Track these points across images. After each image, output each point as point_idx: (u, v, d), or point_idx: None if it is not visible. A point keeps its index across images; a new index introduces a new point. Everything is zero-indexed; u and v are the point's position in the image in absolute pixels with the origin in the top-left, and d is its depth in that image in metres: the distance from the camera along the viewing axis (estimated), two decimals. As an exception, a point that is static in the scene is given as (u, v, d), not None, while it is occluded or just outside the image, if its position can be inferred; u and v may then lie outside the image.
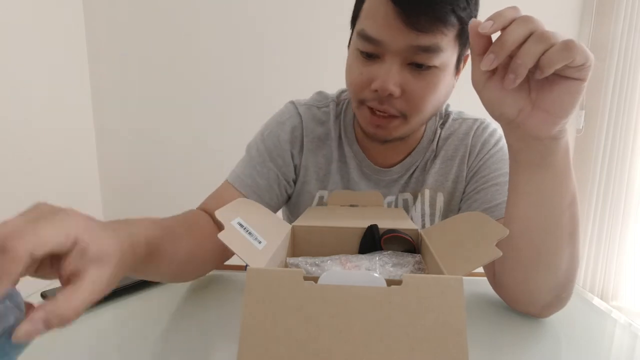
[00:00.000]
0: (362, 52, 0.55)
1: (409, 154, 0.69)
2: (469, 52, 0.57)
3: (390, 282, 0.28)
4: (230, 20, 2.15)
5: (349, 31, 0.60)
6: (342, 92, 0.74)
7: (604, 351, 0.44)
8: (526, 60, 0.35)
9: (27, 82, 1.83)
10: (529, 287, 0.47)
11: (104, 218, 0.34)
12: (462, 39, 0.54)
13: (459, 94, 0.76)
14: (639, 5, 1.90)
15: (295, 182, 0.72)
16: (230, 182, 0.67)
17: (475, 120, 0.70)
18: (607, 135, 2.02)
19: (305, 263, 0.41)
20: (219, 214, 0.34)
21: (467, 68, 0.56)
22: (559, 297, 0.47)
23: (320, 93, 0.74)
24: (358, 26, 0.55)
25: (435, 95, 0.56)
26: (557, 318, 0.49)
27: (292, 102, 0.72)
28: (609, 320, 0.51)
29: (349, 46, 0.60)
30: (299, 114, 0.70)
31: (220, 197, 0.66)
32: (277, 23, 2.14)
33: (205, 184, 2.32)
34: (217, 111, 2.20)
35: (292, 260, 0.42)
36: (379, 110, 0.56)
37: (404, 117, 0.57)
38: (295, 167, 0.71)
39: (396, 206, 0.71)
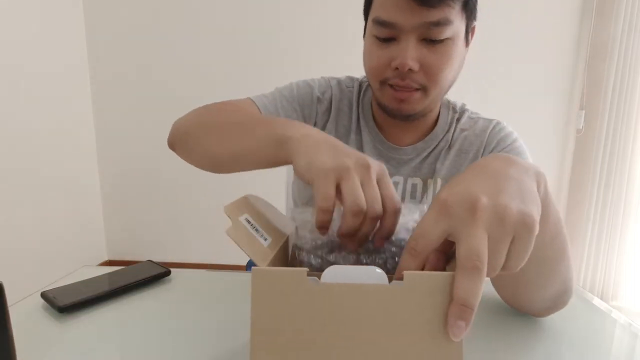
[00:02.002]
0: (378, 38, 0.59)
1: (421, 139, 0.72)
2: (475, 24, 0.63)
3: (392, 278, 0.28)
4: (231, 19, 2.15)
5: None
6: (364, 76, 0.80)
7: (604, 351, 0.44)
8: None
9: (27, 79, 1.83)
10: (521, 302, 0.48)
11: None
12: (467, 10, 0.59)
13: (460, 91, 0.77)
14: (639, 5, 1.90)
15: None
16: (253, 100, 0.68)
17: (492, 120, 0.73)
18: (607, 135, 2.02)
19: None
20: (227, 210, 0.35)
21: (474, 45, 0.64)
22: (555, 303, 0.46)
23: (348, 76, 0.79)
24: (372, 15, 0.60)
25: (451, 66, 0.60)
26: (557, 318, 0.49)
27: (326, 77, 0.78)
28: (609, 320, 0.51)
29: (364, 36, 0.65)
30: (330, 85, 0.76)
31: (236, 104, 0.65)
32: (280, 23, 2.14)
33: (205, 181, 2.31)
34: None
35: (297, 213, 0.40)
36: (400, 86, 0.61)
37: (424, 89, 0.61)
38: (315, 124, 0.74)
39: (404, 189, 0.72)
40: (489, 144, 0.70)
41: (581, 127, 2.14)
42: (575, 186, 2.21)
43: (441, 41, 0.57)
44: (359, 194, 0.34)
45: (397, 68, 0.58)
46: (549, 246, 0.38)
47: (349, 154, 0.37)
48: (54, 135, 1.98)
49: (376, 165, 0.37)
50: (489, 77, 2.09)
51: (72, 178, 2.12)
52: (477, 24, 0.64)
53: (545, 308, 0.48)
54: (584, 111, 2.12)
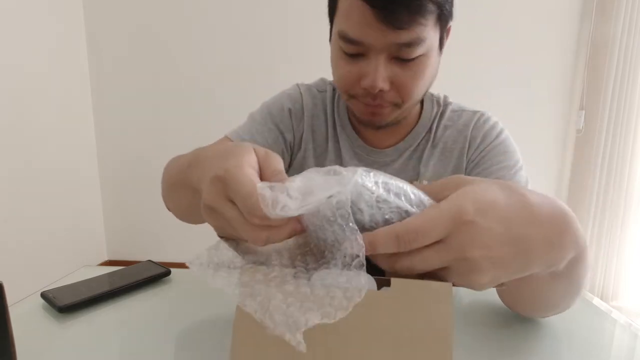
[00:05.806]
0: (345, 52, 0.55)
1: (403, 138, 0.69)
2: (450, 24, 0.58)
3: (380, 282, 0.28)
4: (232, 19, 2.14)
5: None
6: None
7: (604, 351, 0.44)
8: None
9: (28, 79, 1.83)
10: (526, 313, 0.49)
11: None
12: (442, 19, 0.54)
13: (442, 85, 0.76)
14: (639, 5, 1.90)
15: (294, 152, 0.73)
16: (228, 136, 0.68)
17: (475, 112, 0.69)
18: (607, 135, 2.02)
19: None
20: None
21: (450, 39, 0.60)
22: (559, 312, 0.47)
23: (322, 79, 0.76)
24: (337, 26, 0.56)
25: (424, 80, 0.57)
26: (557, 318, 0.49)
27: (296, 84, 0.75)
28: (609, 320, 0.51)
29: (330, 40, 0.61)
30: (300, 92, 0.73)
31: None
32: (277, 24, 2.14)
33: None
34: (217, 109, 2.19)
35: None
36: (372, 105, 0.58)
37: (397, 104, 0.58)
38: (293, 136, 0.72)
39: None
40: (474, 138, 0.67)
41: (581, 127, 2.14)
42: (575, 186, 2.21)
43: (413, 59, 0.54)
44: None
45: (366, 88, 0.55)
46: (575, 295, 0.40)
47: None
48: (54, 134, 1.98)
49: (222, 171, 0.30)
50: (489, 77, 2.09)
51: (72, 178, 2.12)
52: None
53: (544, 316, 0.48)
54: (584, 111, 2.12)
